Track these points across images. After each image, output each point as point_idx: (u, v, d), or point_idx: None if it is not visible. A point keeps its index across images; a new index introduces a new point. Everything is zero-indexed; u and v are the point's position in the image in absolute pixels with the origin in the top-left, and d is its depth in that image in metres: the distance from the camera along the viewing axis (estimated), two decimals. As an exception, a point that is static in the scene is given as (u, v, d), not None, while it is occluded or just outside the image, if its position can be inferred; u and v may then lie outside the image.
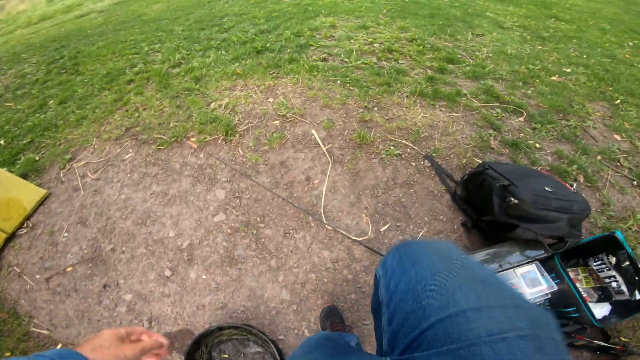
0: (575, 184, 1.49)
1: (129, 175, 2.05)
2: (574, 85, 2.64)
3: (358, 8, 4.07)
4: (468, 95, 2.35)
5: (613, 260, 1.32)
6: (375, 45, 3.06)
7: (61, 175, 2.17)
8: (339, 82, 2.44)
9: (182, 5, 5.48)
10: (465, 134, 2.05)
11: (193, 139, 2.14)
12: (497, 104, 2.29)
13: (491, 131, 2.07)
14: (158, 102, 2.54)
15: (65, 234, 1.84)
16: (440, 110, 2.21)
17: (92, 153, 2.25)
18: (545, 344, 0.37)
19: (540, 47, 3.38)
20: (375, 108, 2.20)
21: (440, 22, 3.72)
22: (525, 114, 2.22)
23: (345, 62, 2.74)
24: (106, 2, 7.72)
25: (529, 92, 2.48)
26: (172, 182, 1.96)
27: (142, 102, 2.58)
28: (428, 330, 0.42)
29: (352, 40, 3.14)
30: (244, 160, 1.99)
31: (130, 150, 2.19)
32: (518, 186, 1.40)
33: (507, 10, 4.58)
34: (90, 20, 6.30)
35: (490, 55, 3.02)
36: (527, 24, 4.03)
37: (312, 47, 3.02)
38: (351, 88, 2.37)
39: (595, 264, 1.38)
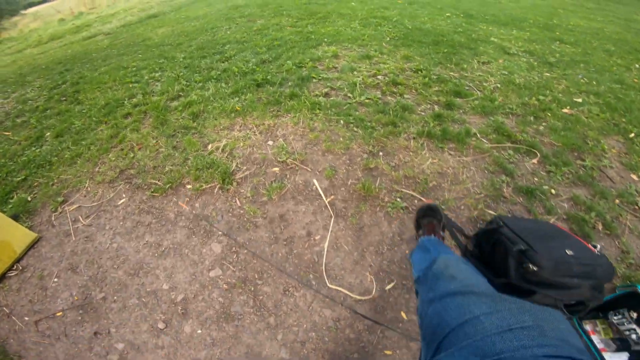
0: (599, 246, 1.37)
1: (121, 223, 1.96)
2: (586, 117, 2.53)
3: (361, 36, 4.04)
4: (478, 135, 2.25)
5: (634, 315, 1.29)
6: (379, 77, 2.99)
7: (53, 218, 2.08)
8: (342, 122, 2.35)
9: (186, 30, 5.52)
10: (476, 182, 1.94)
11: (189, 187, 2.05)
12: (509, 144, 2.19)
13: (504, 177, 1.96)
14: (154, 142, 2.46)
15: (55, 279, 1.77)
16: (450, 154, 2.10)
17: (85, 196, 2.16)
18: (549, 331, 0.45)
19: (548, 74, 3.29)
20: (381, 153, 2.10)
21: (445, 50, 3.66)
22: (538, 154, 2.11)
23: (349, 97, 2.66)
24: (114, 24, 7.84)
25: (541, 128, 2.37)
26: (166, 232, 1.86)
27: (138, 140, 2.51)
28: (449, 334, 0.52)
29: (355, 72, 3.08)
30: (242, 212, 1.89)
31: (124, 195, 2.10)
32: (537, 251, 1.28)
33: (511, 34, 4.53)
34: (96, 43, 6.37)
35: (499, 85, 2.93)
36: (532, 49, 3.96)
37: (314, 80, 2.96)
38: (355, 129, 2.28)
39: (615, 317, 1.33)
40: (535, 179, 1.99)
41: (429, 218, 1.29)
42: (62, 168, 2.43)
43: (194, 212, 1.93)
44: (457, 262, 0.84)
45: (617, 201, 1.89)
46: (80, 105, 3.37)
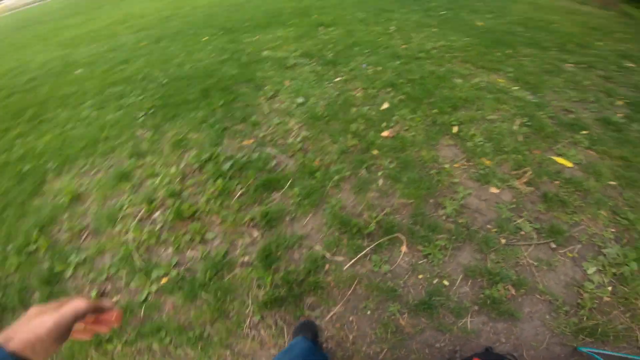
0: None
1: None
2: (406, 131, 2.19)
3: (101, 133, 2.70)
4: (327, 256, 1.56)
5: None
6: (156, 215, 1.90)
7: None
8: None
9: None
10: (368, 337, 1.29)
11: None
12: (368, 247, 1.58)
13: (391, 306, 1.38)
14: None
15: None
16: (317, 316, 1.35)
17: None
18: None
19: (339, 79, 2.89)
20: None
21: (222, 102, 2.79)
22: (403, 238, 1.59)
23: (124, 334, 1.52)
24: None
25: (381, 182, 1.87)
26: None
27: None
28: None
29: (118, 224, 1.89)
30: None
31: None
32: None
33: (277, 37, 4.02)
34: None
35: (304, 131, 2.30)
36: (307, 50, 3.54)
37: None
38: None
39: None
40: (420, 276, 1.48)
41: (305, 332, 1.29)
42: None
43: None
44: None
45: (503, 241, 1.57)
46: None
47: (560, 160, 1.96)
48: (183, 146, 2.38)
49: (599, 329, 1.29)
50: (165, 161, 2.26)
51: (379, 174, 1.91)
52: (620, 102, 2.60)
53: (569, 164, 1.94)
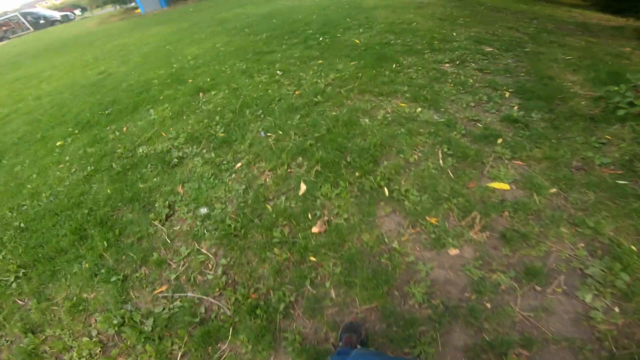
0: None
1: None
2: (337, 215, 1.86)
3: None
4: None
5: None
6: None
7: None
8: None
9: None
10: None
11: None
12: None
13: None
14: None
15: None
16: None
17: None
18: None
19: (240, 165, 2.43)
20: None
21: (105, 242, 2.09)
22: (385, 347, 1.26)
23: None
24: None
25: (334, 294, 1.50)
26: None
27: None
28: None
29: None
30: None
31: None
32: None
33: (151, 121, 3.39)
34: None
35: (223, 258, 1.80)
36: (190, 130, 3.00)
37: None
38: None
39: None
40: None
41: (349, 333, 1.30)
42: None
43: None
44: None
45: (488, 305, 1.37)
46: None
47: (496, 185, 1.86)
48: (83, 311, 1.72)
49: (636, 356, 1.15)
50: (71, 331, 1.63)
51: (327, 284, 1.54)
52: (507, 93, 2.73)
53: (506, 186, 1.86)
